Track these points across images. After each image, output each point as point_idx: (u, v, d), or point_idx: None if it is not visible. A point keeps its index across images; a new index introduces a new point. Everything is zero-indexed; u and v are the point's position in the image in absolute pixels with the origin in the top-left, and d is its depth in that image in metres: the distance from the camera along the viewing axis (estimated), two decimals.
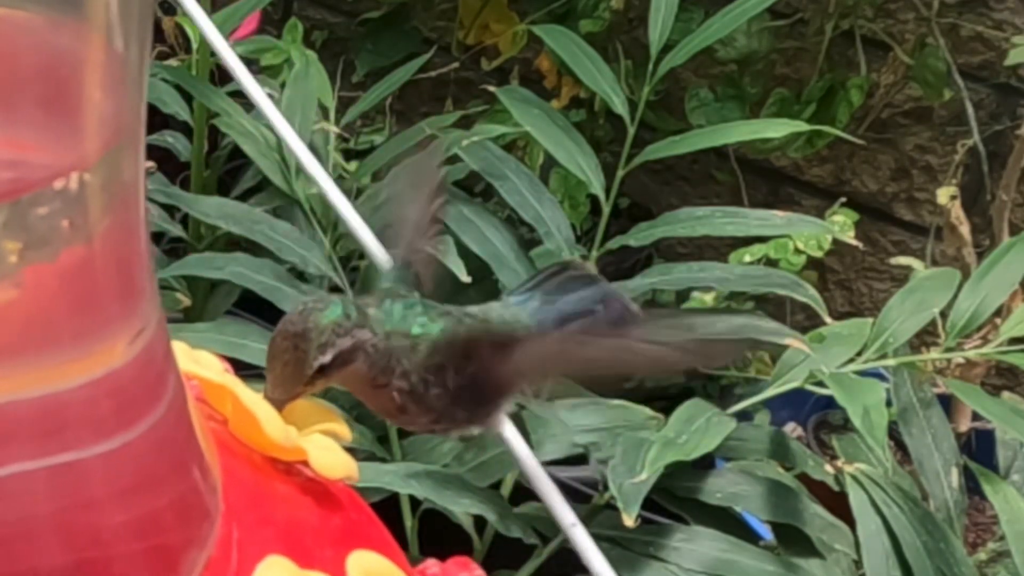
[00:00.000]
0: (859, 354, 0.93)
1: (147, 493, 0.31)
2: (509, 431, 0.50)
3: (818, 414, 1.40)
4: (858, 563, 0.90)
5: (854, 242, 1.13)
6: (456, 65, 1.62)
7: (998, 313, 0.95)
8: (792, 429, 1.39)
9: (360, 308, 0.46)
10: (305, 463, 0.37)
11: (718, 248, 1.53)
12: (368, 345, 0.46)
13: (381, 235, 0.56)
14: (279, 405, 0.41)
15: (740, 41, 1.43)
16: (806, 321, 1.42)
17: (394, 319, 0.48)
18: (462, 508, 0.90)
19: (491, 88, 1.14)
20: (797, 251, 1.34)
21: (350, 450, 0.39)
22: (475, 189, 1.36)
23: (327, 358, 0.44)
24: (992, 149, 1.44)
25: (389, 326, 0.47)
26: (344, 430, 0.40)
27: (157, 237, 1.27)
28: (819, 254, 1.35)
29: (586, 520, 0.93)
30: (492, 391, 0.51)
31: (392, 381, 0.47)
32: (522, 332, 0.51)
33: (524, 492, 0.95)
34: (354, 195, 1.19)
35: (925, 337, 1.01)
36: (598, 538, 0.93)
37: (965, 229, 1.16)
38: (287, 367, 0.44)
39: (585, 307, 0.53)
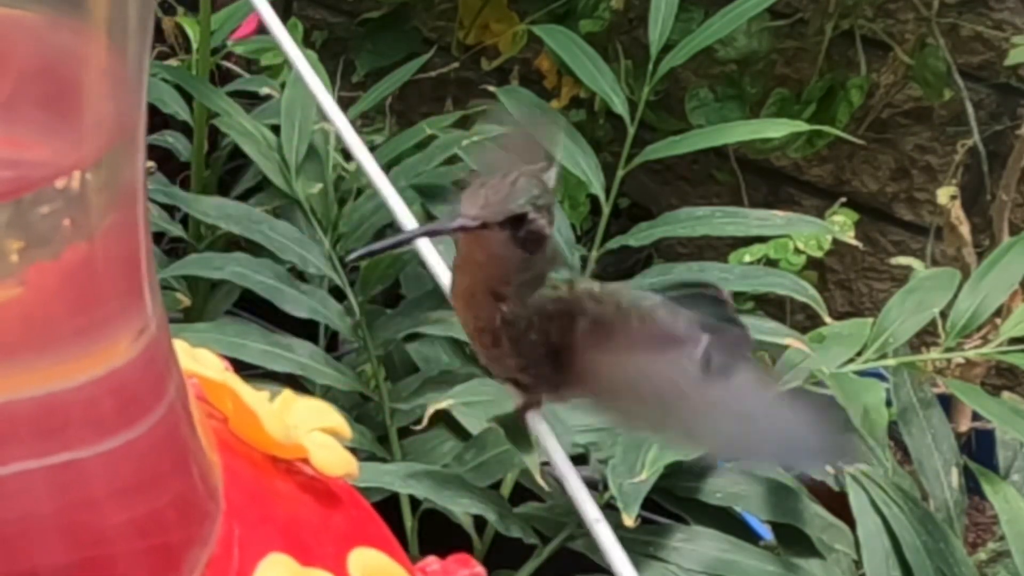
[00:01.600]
0: (859, 354, 0.93)
1: (149, 492, 0.31)
2: (541, 427, 0.50)
3: None
4: (858, 563, 0.90)
5: (854, 242, 1.13)
6: (456, 65, 1.62)
7: (998, 313, 0.95)
8: None
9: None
10: (305, 461, 0.37)
11: (718, 248, 1.53)
12: (544, 238, 0.48)
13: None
14: (473, 223, 0.45)
15: (740, 41, 1.43)
16: (806, 321, 1.42)
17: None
18: (462, 508, 0.91)
19: (491, 88, 1.14)
20: (797, 251, 1.34)
21: (350, 450, 0.39)
22: None
23: (533, 214, 0.47)
24: (992, 149, 1.44)
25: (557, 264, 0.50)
26: (344, 428, 0.40)
27: (157, 237, 1.27)
28: (819, 254, 1.35)
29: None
30: (585, 365, 0.51)
31: (511, 293, 0.49)
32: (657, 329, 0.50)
33: (524, 492, 0.95)
34: (354, 196, 1.19)
35: (925, 337, 1.01)
36: None
37: (965, 229, 1.16)
38: (498, 190, 0.46)
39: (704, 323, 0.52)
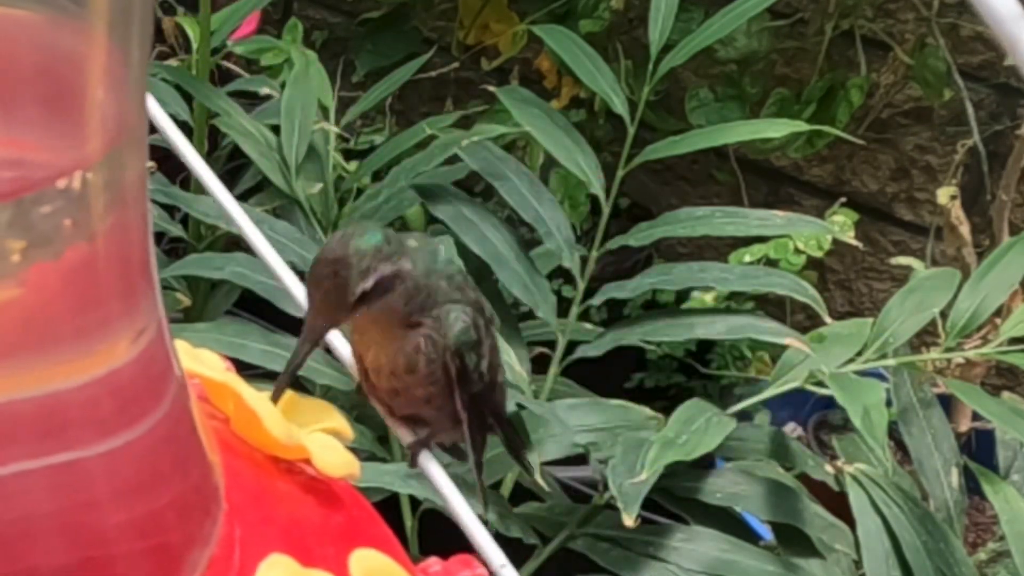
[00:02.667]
0: (859, 354, 0.93)
1: (149, 492, 0.31)
2: (433, 468, 0.50)
3: (818, 414, 1.40)
4: (858, 563, 0.90)
5: (854, 242, 1.13)
6: (456, 65, 1.62)
7: (998, 313, 0.95)
8: (792, 429, 1.39)
9: (399, 238, 0.45)
10: (307, 461, 0.37)
11: (718, 248, 1.53)
12: (408, 276, 0.45)
13: None
14: (320, 333, 0.42)
15: (740, 41, 1.43)
16: (806, 321, 1.42)
17: (438, 263, 0.47)
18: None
19: (491, 88, 1.14)
20: (797, 251, 1.34)
21: (350, 450, 0.39)
22: (475, 189, 1.36)
23: (368, 284, 0.43)
24: (992, 149, 1.44)
25: (432, 264, 0.47)
26: (346, 428, 0.40)
27: (157, 237, 1.27)
28: (819, 254, 1.35)
29: (586, 520, 0.93)
30: (477, 398, 0.51)
31: (425, 322, 0.47)
32: None
33: (524, 492, 0.95)
34: (354, 196, 1.19)
35: (925, 337, 1.01)
36: (598, 538, 0.93)
37: (965, 229, 1.16)
38: (329, 294, 0.43)
39: None
